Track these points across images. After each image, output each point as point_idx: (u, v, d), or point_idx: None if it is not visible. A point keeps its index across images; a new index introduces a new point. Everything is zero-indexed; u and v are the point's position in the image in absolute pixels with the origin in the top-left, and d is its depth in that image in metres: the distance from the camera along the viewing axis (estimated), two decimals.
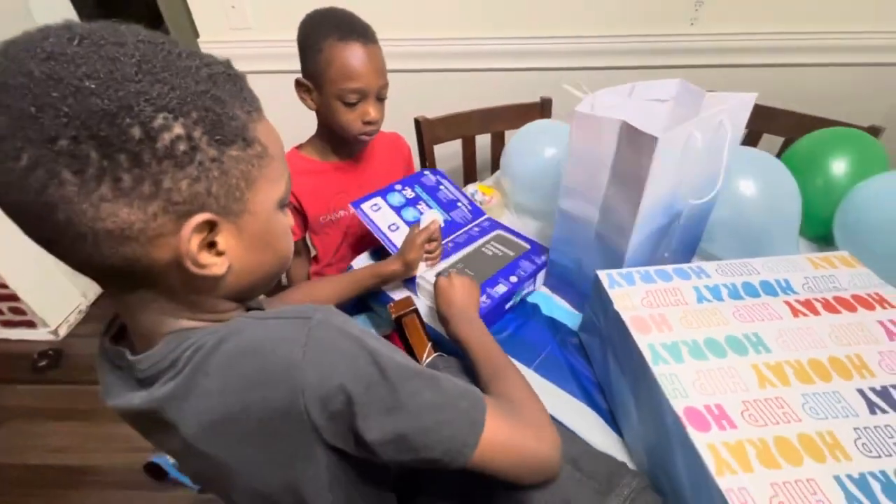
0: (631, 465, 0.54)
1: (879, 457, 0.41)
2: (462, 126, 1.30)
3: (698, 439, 0.42)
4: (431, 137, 1.27)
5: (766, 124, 1.24)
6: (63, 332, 1.78)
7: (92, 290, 1.92)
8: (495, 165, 1.36)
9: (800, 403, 0.46)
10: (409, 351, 0.68)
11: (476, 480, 0.42)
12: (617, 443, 0.58)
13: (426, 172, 0.99)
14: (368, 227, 0.87)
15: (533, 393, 0.51)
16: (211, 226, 0.35)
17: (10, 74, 0.29)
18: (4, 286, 1.61)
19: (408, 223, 0.88)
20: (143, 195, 0.32)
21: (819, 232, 0.89)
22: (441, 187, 0.96)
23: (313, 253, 1.10)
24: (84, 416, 1.50)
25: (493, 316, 0.75)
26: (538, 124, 1.04)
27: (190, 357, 0.38)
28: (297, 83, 0.89)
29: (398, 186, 0.94)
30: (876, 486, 0.39)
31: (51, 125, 0.29)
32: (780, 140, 1.24)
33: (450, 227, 0.89)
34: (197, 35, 1.45)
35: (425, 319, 0.73)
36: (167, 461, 1.36)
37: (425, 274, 0.80)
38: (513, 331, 0.75)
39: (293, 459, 0.40)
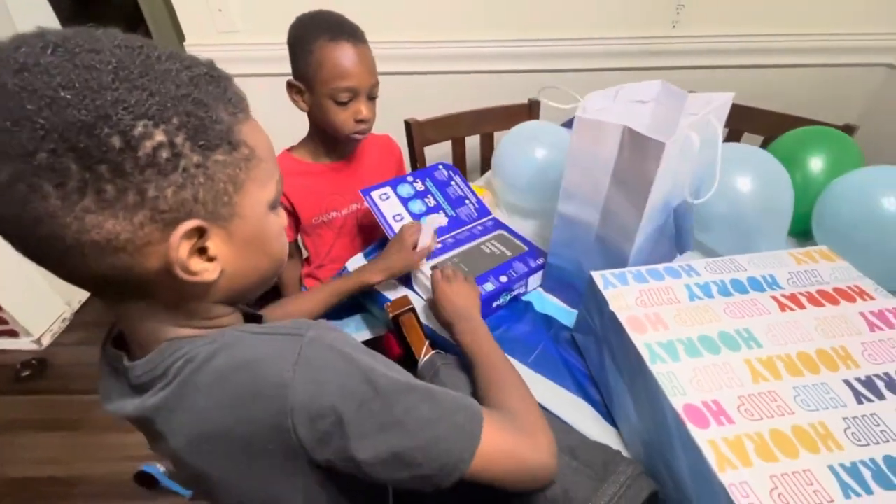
0: (626, 454, 0.55)
1: (868, 445, 0.43)
2: (452, 127, 1.31)
3: (699, 436, 0.43)
4: (422, 139, 1.28)
5: (746, 123, 1.28)
6: (47, 341, 1.74)
7: (76, 298, 1.88)
8: (485, 166, 1.37)
9: (792, 396, 0.47)
10: (407, 349, 0.68)
11: (475, 485, 0.43)
12: (611, 433, 0.60)
13: (440, 166, 1.00)
14: (374, 213, 0.88)
15: (531, 400, 0.52)
16: (200, 232, 0.35)
17: None
18: None
19: (413, 215, 0.89)
20: (128, 205, 0.31)
21: (798, 227, 0.92)
22: (452, 183, 0.97)
23: (305, 255, 1.10)
24: (70, 426, 1.47)
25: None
26: (529, 125, 1.05)
27: (181, 368, 0.38)
28: (289, 85, 0.90)
29: (410, 178, 0.95)
30: (867, 474, 0.40)
31: (28, 139, 0.28)
32: (759, 139, 1.28)
33: (454, 223, 0.90)
34: (183, 38, 1.44)
35: (421, 317, 0.74)
36: (158, 470, 1.34)
37: (421, 265, 0.80)
38: (507, 328, 0.76)
39: (277, 477, 0.40)
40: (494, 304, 0.77)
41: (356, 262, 0.90)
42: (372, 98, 0.90)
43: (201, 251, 0.36)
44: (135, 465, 1.45)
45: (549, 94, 0.68)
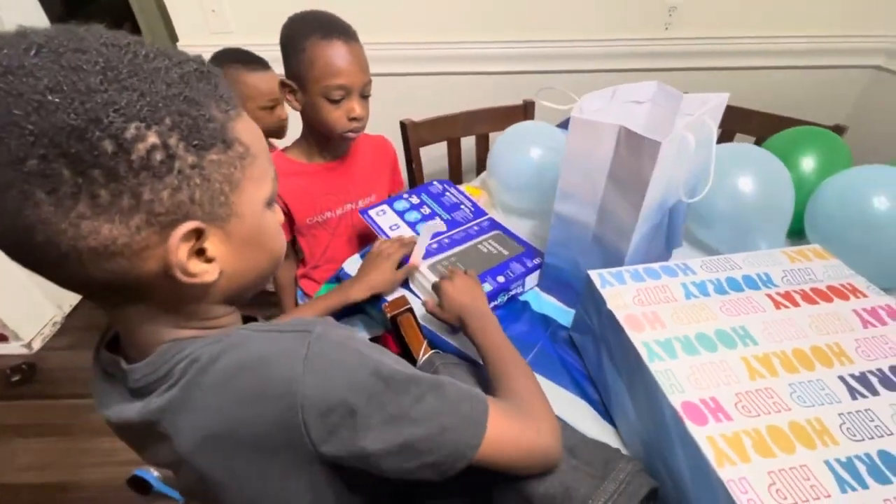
0: (624, 452, 0.56)
1: (863, 440, 0.44)
2: (447, 128, 1.31)
3: (697, 433, 0.44)
4: (417, 140, 1.28)
5: (737, 124, 1.29)
6: (37, 345, 1.72)
7: (67, 302, 1.86)
8: (480, 167, 1.38)
9: (788, 392, 0.48)
10: (406, 349, 0.68)
11: (475, 475, 0.43)
12: (609, 432, 0.60)
13: (435, 182, 1.01)
14: (372, 228, 0.89)
15: (536, 386, 0.53)
16: (198, 233, 0.34)
17: None
18: None
19: (409, 224, 0.89)
20: (124, 209, 0.31)
21: (790, 226, 0.93)
22: (447, 193, 0.98)
23: (300, 255, 1.10)
24: (61, 432, 1.46)
25: None
26: (523, 126, 1.05)
27: (185, 370, 0.37)
28: (282, 84, 0.90)
29: (405, 195, 0.96)
30: (862, 469, 0.41)
31: (17, 145, 0.28)
32: (751, 139, 1.29)
33: (450, 225, 0.91)
34: (176, 39, 1.43)
35: (419, 317, 0.74)
36: (151, 474, 1.33)
37: (419, 266, 0.80)
38: (504, 327, 0.75)
39: (285, 474, 0.40)
40: (492, 305, 0.78)
41: (353, 262, 0.90)
42: (365, 96, 0.90)
43: (199, 252, 0.36)
44: (127, 469, 1.43)
45: (544, 94, 0.68)
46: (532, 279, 0.82)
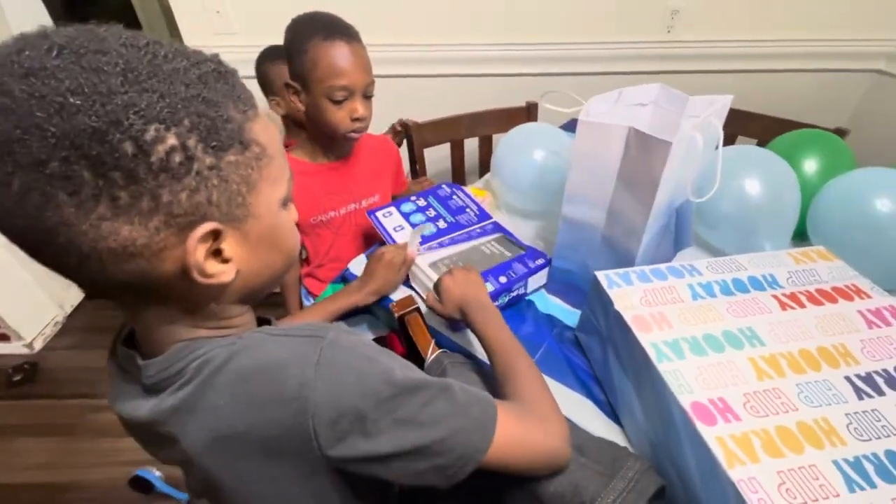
0: (632, 451, 0.56)
1: (870, 440, 0.44)
2: (450, 130, 1.32)
3: (707, 433, 0.44)
4: (421, 141, 1.29)
5: (739, 127, 1.30)
6: (39, 345, 1.72)
7: (68, 302, 1.86)
8: (483, 168, 1.38)
9: (795, 393, 0.48)
10: (412, 349, 0.68)
11: (484, 476, 0.44)
12: (616, 431, 0.61)
13: (443, 185, 1.02)
14: (377, 229, 0.90)
15: (544, 386, 0.53)
16: (215, 234, 0.35)
17: None
18: None
19: (413, 225, 0.90)
20: (143, 211, 0.31)
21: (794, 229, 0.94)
22: (454, 196, 0.99)
23: (304, 255, 1.10)
24: (63, 431, 1.46)
25: None
26: (527, 127, 1.06)
27: (198, 369, 0.38)
28: (286, 85, 0.91)
29: (413, 198, 0.97)
30: (870, 468, 0.41)
31: (39, 148, 0.28)
32: (753, 142, 1.30)
33: (454, 227, 0.91)
34: (179, 40, 1.43)
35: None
36: (153, 474, 1.34)
37: (419, 261, 0.81)
38: (510, 328, 0.76)
39: (292, 477, 0.40)
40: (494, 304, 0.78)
41: (359, 263, 0.90)
42: (367, 96, 0.91)
43: (216, 253, 0.36)
44: (129, 470, 1.43)
45: (549, 98, 0.69)
46: (534, 280, 0.82)
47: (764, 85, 1.60)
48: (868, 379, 0.50)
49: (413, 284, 0.83)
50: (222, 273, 0.36)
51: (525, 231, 0.97)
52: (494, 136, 1.37)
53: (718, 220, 0.84)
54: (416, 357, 0.67)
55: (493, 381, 0.59)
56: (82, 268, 0.32)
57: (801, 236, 0.93)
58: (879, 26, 1.51)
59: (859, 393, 0.49)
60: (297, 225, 1.06)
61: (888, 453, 0.43)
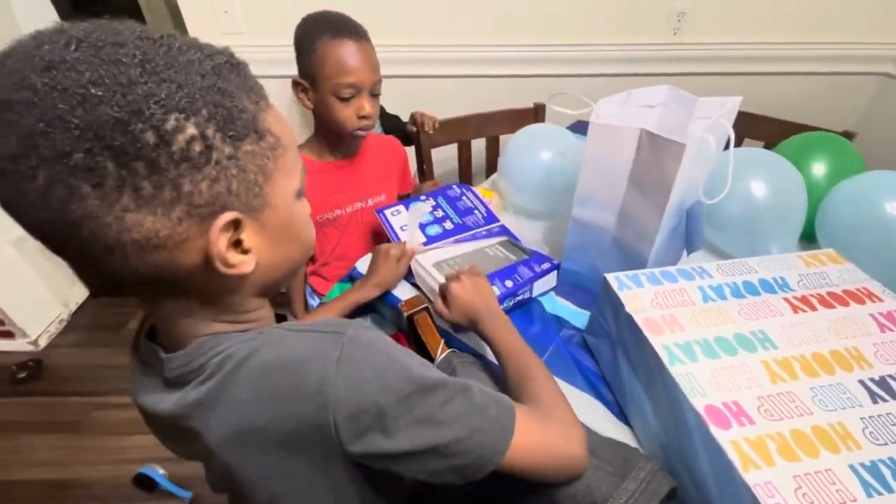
0: (642, 452, 0.56)
1: (886, 444, 0.43)
2: (458, 130, 1.32)
3: (721, 437, 0.44)
4: (428, 141, 1.29)
5: (745, 129, 1.30)
6: (43, 342, 1.72)
7: (73, 300, 1.86)
8: (490, 169, 1.38)
9: (809, 396, 0.48)
10: (421, 349, 0.68)
11: (497, 480, 0.43)
12: (626, 432, 0.60)
13: (454, 186, 1.02)
14: (385, 227, 0.90)
15: (559, 392, 0.53)
16: (235, 224, 0.35)
17: (11, 89, 0.28)
18: None
19: (420, 225, 0.90)
20: (165, 201, 0.31)
21: (802, 231, 0.94)
22: (464, 197, 0.99)
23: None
24: (67, 429, 1.46)
25: None
26: (535, 128, 1.06)
27: (220, 365, 0.38)
28: (294, 83, 0.91)
29: (423, 198, 0.97)
30: (887, 473, 0.41)
31: (63, 140, 0.28)
32: (760, 144, 1.30)
33: (460, 228, 0.91)
34: None
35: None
36: (157, 472, 1.34)
37: (421, 258, 0.81)
38: (518, 328, 0.76)
39: (311, 472, 0.40)
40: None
41: (365, 262, 0.90)
42: (375, 95, 0.92)
43: (236, 244, 0.36)
44: (133, 467, 1.44)
45: (557, 100, 0.68)
46: (540, 285, 0.81)
47: (771, 87, 1.60)
48: (882, 383, 0.50)
49: (418, 283, 0.83)
50: (243, 263, 0.36)
51: (532, 232, 0.96)
52: (502, 137, 1.37)
53: (724, 222, 0.84)
54: (425, 357, 0.67)
55: (502, 381, 0.59)
56: (105, 261, 0.32)
57: (808, 239, 0.93)
58: (887, 30, 1.51)
59: (874, 397, 0.48)
60: None
61: None
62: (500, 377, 0.61)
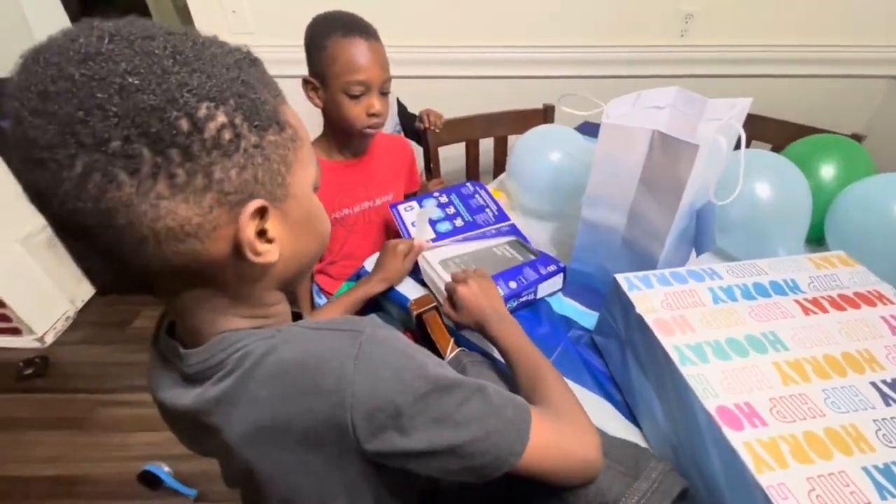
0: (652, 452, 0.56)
1: None
2: (466, 129, 1.32)
3: (734, 438, 0.44)
4: (436, 140, 1.29)
5: (754, 131, 1.29)
6: (50, 339, 1.73)
7: (79, 297, 1.87)
8: (498, 169, 1.38)
9: (822, 398, 0.48)
10: (432, 347, 0.68)
11: (508, 479, 0.43)
12: (634, 433, 0.60)
13: (468, 183, 1.02)
14: (396, 222, 0.91)
15: (572, 395, 0.53)
16: (261, 213, 0.36)
17: (49, 81, 0.29)
18: None
19: (431, 222, 0.90)
20: (197, 189, 0.32)
21: (811, 234, 0.93)
22: (476, 196, 0.99)
23: None
24: (73, 425, 1.47)
25: None
26: (544, 128, 1.06)
27: (239, 361, 0.38)
28: (304, 82, 0.92)
29: (436, 194, 0.98)
30: None
31: (102, 127, 0.29)
32: (767, 147, 1.29)
33: (470, 226, 0.91)
34: None
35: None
36: (162, 469, 1.34)
37: (428, 255, 0.81)
38: (526, 330, 0.75)
39: (327, 469, 0.40)
40: None
41: (373, 261, 0.90)
42: (384, 93, 0.92)
43: (260, 234, 0.37)
44: (138, 464, 1.44)
45: (567, 101, 0.68)
46: (545, 287, 0.81)
47: (778, 90, 1.59)
48: (895, 385, 0.50)
49: (425, 280, 0.83)
50: (268, 252, 0.37)
51: (539, 232, 0.96)
52: (510, 138, 1.37)
53: (727, 224, 0.83)
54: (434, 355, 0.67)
55: (511, 381, 0.59)
56: (138, 252, 0.32)
57: (817, 242, 0.92)
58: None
59: (886, 399, 0.48)
60: None
61: None
62: (509, 377, 0.61)
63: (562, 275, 0.81)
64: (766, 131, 1.28)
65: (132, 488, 1.30)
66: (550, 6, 1.45)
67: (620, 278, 0.64)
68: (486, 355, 0.69)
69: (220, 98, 0.32)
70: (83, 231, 0.32)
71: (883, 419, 0.46)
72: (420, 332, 0.70)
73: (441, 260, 0.80)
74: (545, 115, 1.36)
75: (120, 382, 1.57)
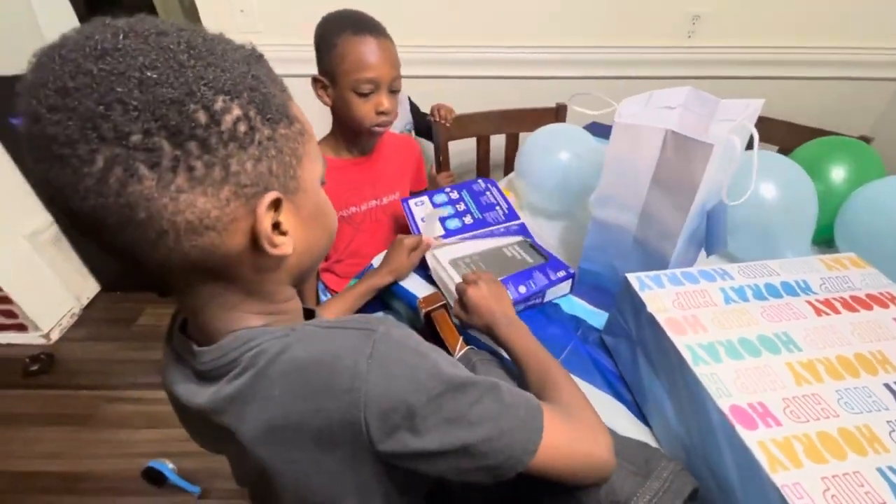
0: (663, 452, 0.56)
1: None
2: (478, 125, 1.32)
3: (748, 437, 0.43)
4: (446, 133, 1.29)
5: (761, 133, 1.27)
6: (55, 335, 1.73)
7: (85, 294, 1.87)
8: (509, 167, 1.38)
9: (835, 399, 0.48)
10: (441, 345, 0.68)
11: (519, 479, 0.43)
12: (644, 432, 0.60)
13: (479, 180, 1.02)
14: (406, 217, 0.91)
15: (583, 396, 0.52)
16: (276, 205, 0.36)
17: (67, 77, 0.29)
18: None
19: (440, 218, 0.91)
20: (215, 181, 0.32)
21: (820, 236, 0.93)
22: (487, 193, 0.99)
23: None
24: (78, 422, 1.47)
25: None
26: (553, 127, 1.06)
27: (253, 360, 0.38)
28: (314, 80, 0.92)
29: (447, 189, 0.98)
30: None
31: (122, 121, 0.29)
32: (775, 149, 1.29)
33: (478, 224, 0.91)
34: None
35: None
36: (166, 466, 1.34)
37: (438, 253, 0.81)
38: (535, 329, 0.76)
39: (340, 468, 0.40)
40: None
41: (381, 258, 0.90)
42: (393, 91, 0.92)
43: (274, 226, 0.37)
44: (142, 461, 1.44)
45: (577, 100, 0.69)
46: (553, 292, 0.80)
47: (786, 92, 1.59)
48: None
49: (434, 278, 0.83)
50: (284, 244, 0.37)
51: (548, 232, 0.96)
52: (521, 135, 1.37)
53: (734, 226, 0.83)
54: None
55: (520, 379, 0.59)
56: (157, 246, 0.32)
57: (827, 245, 0.92)
58: None
59: None
60: None
61: None
62: (518, 375, 0.61)
63: (570, 280, 0.81)
64: (773, 133, 1.28)
65: (136, 485, 1.30)
66: (557, 7, 1.45)
67: (631, 278, 0.64)
68: (495, 353, 0.69)
69: (234, 91, 0.32)
70: (102, 226, 0.32)
71: None
72: (428, 330, 0.70)
73: (451, 259, 0.80)
74: (557, 113, 1.36)
75: (124, 379, 1.57)
